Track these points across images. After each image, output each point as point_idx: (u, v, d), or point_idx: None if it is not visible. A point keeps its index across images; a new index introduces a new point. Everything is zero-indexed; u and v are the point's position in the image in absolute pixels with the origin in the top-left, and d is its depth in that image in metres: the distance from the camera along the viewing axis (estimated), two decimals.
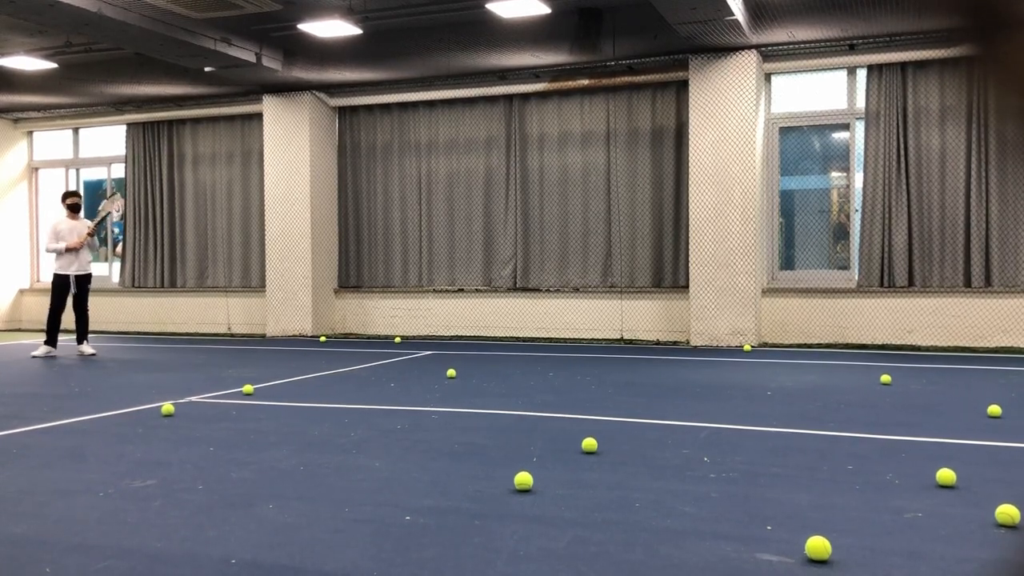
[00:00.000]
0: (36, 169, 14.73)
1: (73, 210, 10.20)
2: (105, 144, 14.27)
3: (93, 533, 3.33)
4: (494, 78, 11.52)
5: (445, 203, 12.15)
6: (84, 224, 10.22)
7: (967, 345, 9.72)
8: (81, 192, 10.69)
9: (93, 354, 10.05)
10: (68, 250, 9.98)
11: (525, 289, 11.71)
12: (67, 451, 4.86)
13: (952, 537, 3.17)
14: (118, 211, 12.08)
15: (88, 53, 11.00)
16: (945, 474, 3.87)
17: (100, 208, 10.64)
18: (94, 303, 13.16)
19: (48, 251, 10.10)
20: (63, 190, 13.93)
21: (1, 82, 11.99)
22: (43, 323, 10.27)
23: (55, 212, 13.34)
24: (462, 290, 12.01)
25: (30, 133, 14.64)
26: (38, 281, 14.54)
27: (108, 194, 13.54)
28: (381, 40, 10.45)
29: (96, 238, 10.45)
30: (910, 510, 3.51)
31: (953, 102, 9.93)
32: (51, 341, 10.02)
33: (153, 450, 4.84)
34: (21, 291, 14.47)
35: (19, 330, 14.10)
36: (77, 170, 14.50)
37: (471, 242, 12.02)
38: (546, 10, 9.08)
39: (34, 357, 9.84)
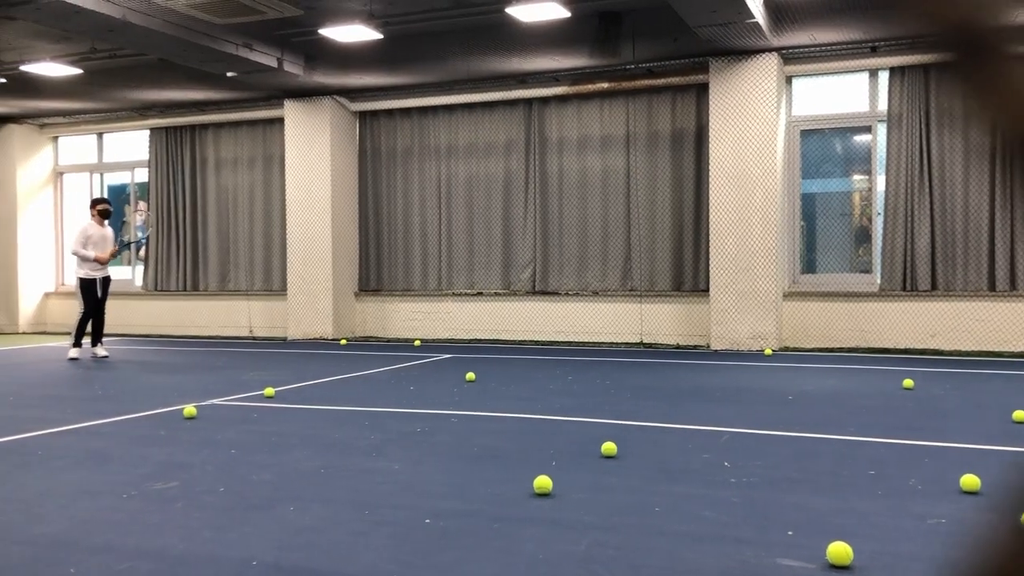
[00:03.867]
0: (61, 174, 14.89)
1: (103, 216, 10.35)
2: (128, 149, 14.41)
3: (116, 534, 3.36)
4: (514, 82, 11.54)
5: (464, 207, 12.17)
6: (111, 232, 10.40)
7: (991, 349, 9.62)
8: (110, 200, 10.83)
9: (106, 356, 10.21)
10: (96, 260, 10.11)
11: (544, 292, 11.70)
12: (91, 453, 4.91)
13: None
14: (142, 216, 12.27)
15: (112, 59, 11.11)
16: (969, 480, 3.83)
17: (125, 219, 10.81)
18: (118, 306, 13.32)
19: (75, 254, 10.21)
20: (90, 195, 14.16)
21: (27, 88, 12.14)
22: (68, 326, 10.40)
23: (80, 216, 13.51)
24: (481, 293, 12.02)
25: (55, 138, 14.81)
26: (63, 284, 14.69)
27: (134, 208, 13.72)
28: (401, 45, 10.49)
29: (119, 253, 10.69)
30: (933, 516, 3.48)
31: (974, 106, 9.82)
32: (80, 343, 10.20)
33: (175, 452, 4.88)
34: (46, 294, 14.62)
35: (44, 333, 14.26)
36: (101, 175, 14.65)
37: (490, 245, 12.04)
38: (565, 14, 9.08)
39: (71, 360, 9.97)
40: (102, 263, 10.15)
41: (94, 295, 10.15)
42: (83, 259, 10.12)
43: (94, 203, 10.52)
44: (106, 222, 10.42)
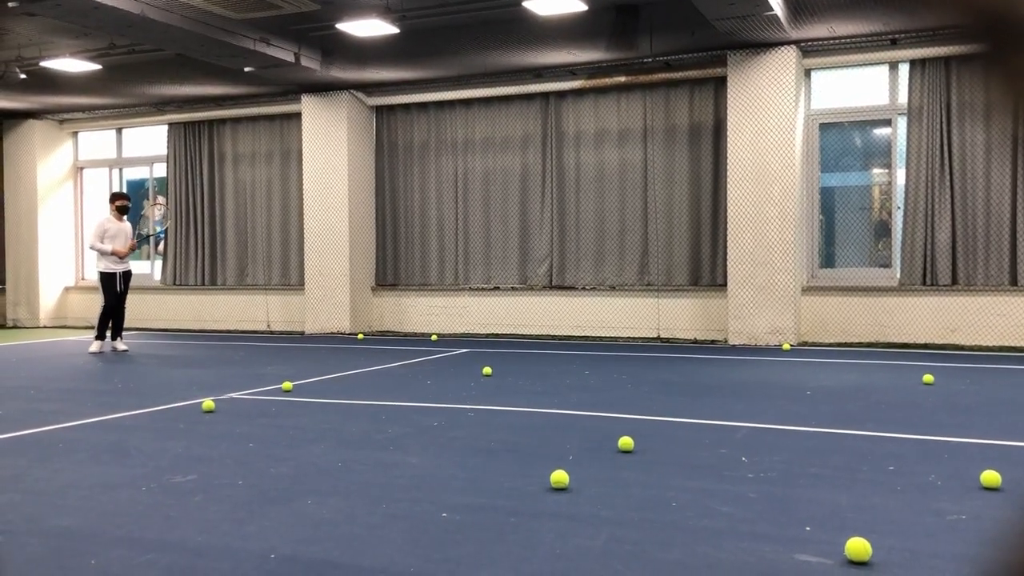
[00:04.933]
0: (81, 169, 15.00)
1: (121, 212, 10.45)
2: (147, 144, 14.50)
3: (136, 526, 3.39)
4: (530, 76, 11.51)
5: (481, 201, 12.17)
6: (130, 227, 10.52)
7: (1012, 345, 9.53)
8: (129, 195, 10.92)
9: (125, 350, 10.34)
10: (113, 253, 10.21)
11: (561, 287, 11.69)
12: (111, 446, 4.95)
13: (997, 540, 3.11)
14: (160, 210, 12.35)
15: (131, 55, 11.17)
16: (990, 476, 3.79)
17: (143, 213, 10.90)
18: (137, 300, 13.42)
19: (92, 248, 10.34)
20: (109, 190, 14.25)
21: (47, 84, 12.23)
22: (89, 320, 10.53)
23: (100, 211, 13.61)
24: (498, 288, 12.02)
25: (75, 133, 14.92)
26: (83, 279, 14.81)
27: (152, 202, 13.83)
28: (418, 39, 10.49)
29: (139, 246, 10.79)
30: (953, 512, 3.45)
31: (999, 96, 9.71)
32: (103, 336, 10.35)
33: (194, 446, 4.91)
34: (66, 289, 14.75)
35: (64, 327, 14.38)
36: (120, 170, 14.75)
37: (507, 240, 12.03)
38: (582, 7, 9.05)
39: (92, 353, 10.11)
40: (120, 257, 10.25)
41: (115, 289, 10.26)
42: (101, 253, 10.23)
43: (113, 198, 10.62)
44: (124, 217, 10.51)
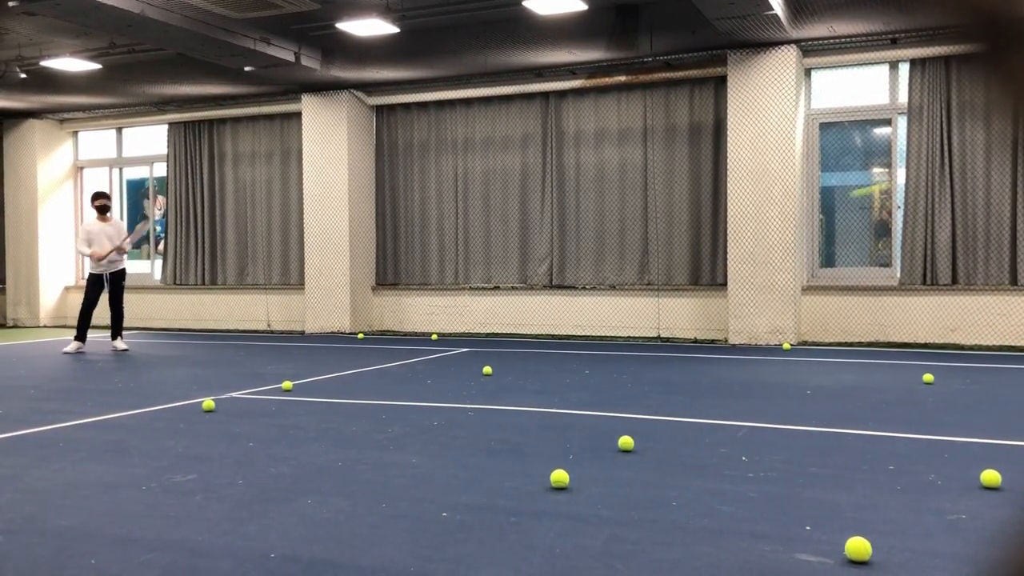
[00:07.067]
0: (81, 168, 15.00)
1: (101, 212, 10.29)
2: (147, 143, 14.50)
3: (136, 526, 3.39)
4: (530, 75, 11.52)
5: (481, 201, 12.17)
6: (114, 226, 10.33)
7: (1012, 344, 9.53)
8: (111, 193, 10.80)
9: (125, 350, 10.29)
10: (91, 256, 10.10)
11: (561, 286, 11.69)
12: (111, 445, 4.95)
13: (996, 540, 3.11)
14: (160, 209, 12.36)
15: (131, 54, 11.18)
16: (990, 475, 3.80)
17: (137, 228, 10.83)
18: (137, 300, 13.43)
19: (79, 252, 10.29)
20: (109, 190, 14.25)
21: (47, 83, 12.23)
22: None
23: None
24: (498, 287, 12.02)
25: (75, 133, 14.92)
26: (83, 279, 14.81)
27: (148, 208, 13.82)
28: (418, 38, 10.50)
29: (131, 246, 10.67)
30: (953, 512, 3.45)
31: (998, 96, 9.71)
32: (81, 337, 10.24)
33: (194, 445, 4.91)
34: (67, 288, 14.75)
35: (64, 326, 14.37)
36: (120, 169, 14.75)
37: (507, 239, 12.04)
38: (583, 6, 9.05)
39: (65, 353, 10.07)
40: (96, 260, 10.08)
41: (96, 289, 10.17)
42: (88, 257, 10.12)
43: (93, 198, 10.42)
44: (109, 215, 10.37)
